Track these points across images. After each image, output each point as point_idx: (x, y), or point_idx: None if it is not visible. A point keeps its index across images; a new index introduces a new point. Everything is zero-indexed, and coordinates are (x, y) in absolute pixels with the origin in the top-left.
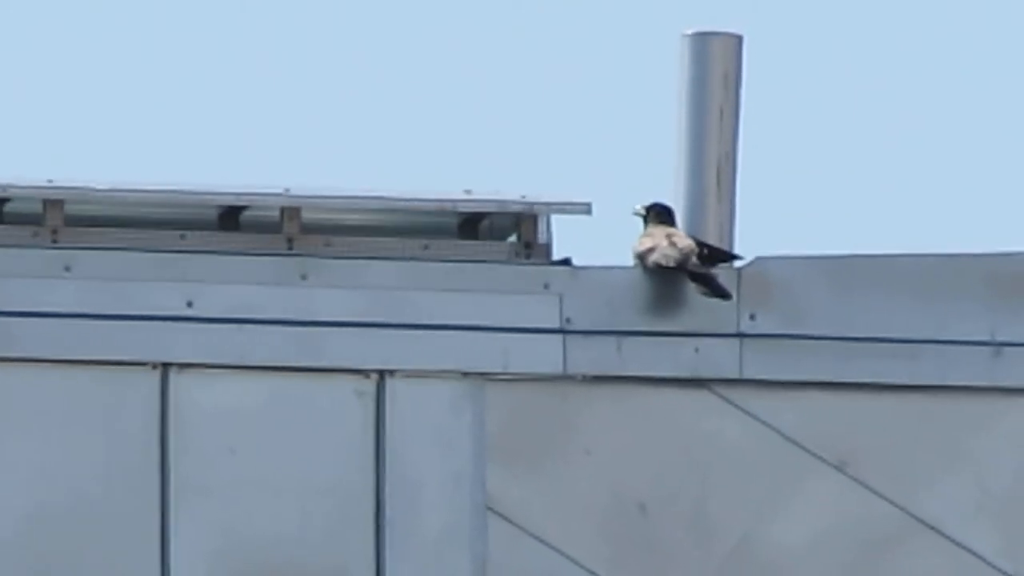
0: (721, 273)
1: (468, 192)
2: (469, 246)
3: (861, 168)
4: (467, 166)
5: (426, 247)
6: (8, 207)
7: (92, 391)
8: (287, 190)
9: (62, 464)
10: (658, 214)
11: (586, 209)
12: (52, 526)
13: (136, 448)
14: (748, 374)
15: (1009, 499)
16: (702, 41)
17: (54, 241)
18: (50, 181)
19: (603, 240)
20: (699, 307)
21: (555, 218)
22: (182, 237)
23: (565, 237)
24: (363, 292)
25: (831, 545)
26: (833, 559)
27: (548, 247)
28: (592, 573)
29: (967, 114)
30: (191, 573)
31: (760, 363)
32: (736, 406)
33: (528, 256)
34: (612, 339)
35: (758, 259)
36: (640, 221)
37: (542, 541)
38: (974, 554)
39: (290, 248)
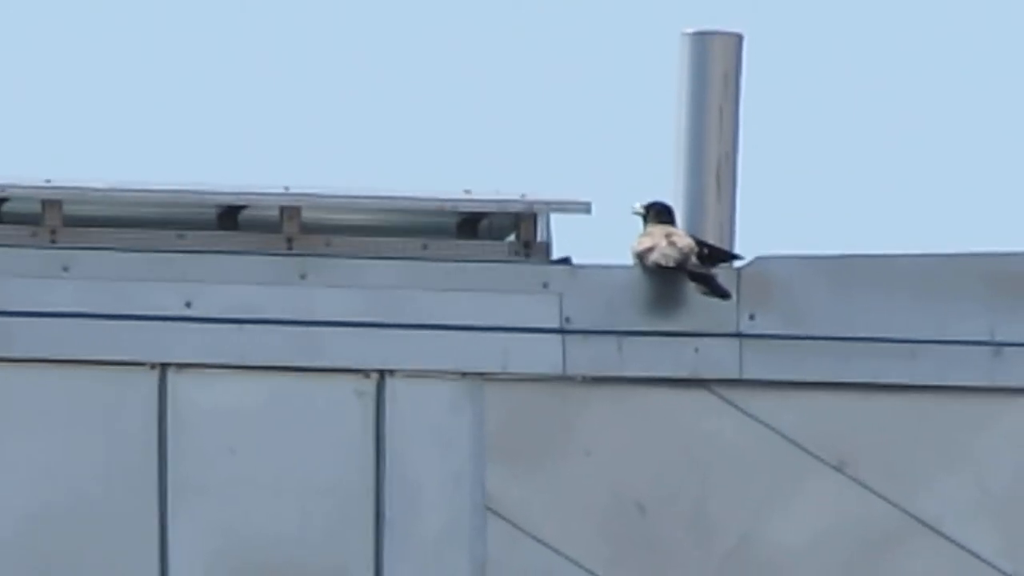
0: (721, 273)
1: (467, 192)
2: (468, 246)
3: (861, 168)
4: (467, 166)
5: (425, 247)
6: (6, 207)
7: (91, 391)
8: (287, 190)
9: (61, 464)
10: (658, 213)
11: (585, 208)
12: (51, 526)
13: (135, 448)
14: (748, 374)
15: (1009, 499)
16: (702, 41)
17: (53, 241)
18: (48, 181)
19: (603, 239)
20: (699, 307)
21: (554, 217)
22: (181, 237)
23: (564, 236)
24: (363, 292)
25: (831, 545)
26: (833, 559)
27: (547, 247)
28: (591, 573)
29: (967, 114)
30: (190, 573)
31: (760, 363)
32: (736, 406)
33: (527, 256)
34: (612, 339)
35: (758, 259)
36: (639, 220)
37: (541, 541)
38: (973, 554)
39: (290, 248)
